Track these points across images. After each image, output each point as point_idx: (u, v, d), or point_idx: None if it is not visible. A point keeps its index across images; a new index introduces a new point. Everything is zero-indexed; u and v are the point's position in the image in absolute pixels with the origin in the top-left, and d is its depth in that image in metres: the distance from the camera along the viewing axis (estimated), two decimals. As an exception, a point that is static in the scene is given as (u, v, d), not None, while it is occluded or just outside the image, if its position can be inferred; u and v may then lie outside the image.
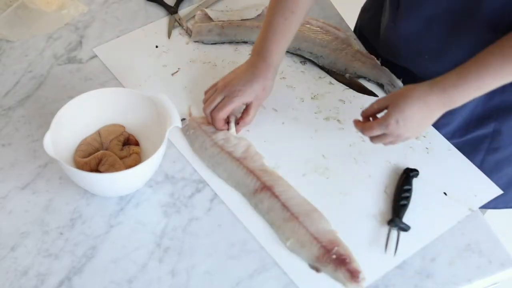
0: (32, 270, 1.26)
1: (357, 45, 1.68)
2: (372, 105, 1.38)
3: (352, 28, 1.83)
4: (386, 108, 1.34)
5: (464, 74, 1.28)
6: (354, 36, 1.73)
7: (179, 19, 1.73)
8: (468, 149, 1.53)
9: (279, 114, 1.54)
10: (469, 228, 1.37)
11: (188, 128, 1.49)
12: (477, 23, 1.38)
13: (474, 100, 1.33)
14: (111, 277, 1.26)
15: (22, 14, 1.70)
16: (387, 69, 1.60)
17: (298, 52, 1.66)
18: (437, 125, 1.47)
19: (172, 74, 1.61)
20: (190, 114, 1.52)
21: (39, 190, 1.38)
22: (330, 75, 1.63)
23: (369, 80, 1.62)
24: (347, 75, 1.63)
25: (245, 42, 1.70)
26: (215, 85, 1.50)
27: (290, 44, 1.61)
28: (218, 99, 1.47)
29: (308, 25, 1.70)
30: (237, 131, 1.49)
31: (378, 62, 1.63)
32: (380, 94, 1.60)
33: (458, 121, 1.58)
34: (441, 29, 1.45)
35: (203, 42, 1.69)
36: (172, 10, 1.76)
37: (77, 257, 1.28)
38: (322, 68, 1.64)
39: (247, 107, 1.49)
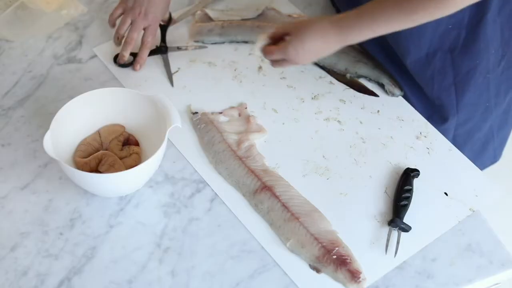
0: (32, 270, 1.26)
1: (358, 46, 1.67)
2: (277, 28, 1.44)
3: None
4: (288, 34, 1.40)
5: (360, 16, 1.34)
6: None
7: (167, 62, 1.65)
8: (438, 128, 1.56)
9: (280, 114, 1.54)
10: (470, 228, 1.37)
11: (200, 122, 1.50)
12: None
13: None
14: (111, 277, 1.26)
15: (21, 14, 1.70)
16: (387, 70, 1.60)
17: None
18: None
19: (172, 73, 1.61)
20: (191, 112, 1.52)
21: (39, 190, 1.37)
22: (331, 75, 1.63)
23: (369, 80, 1.62)
24: (348, 75, 1.62)
25: (246, 42, 1.69)
26: None
27: None
28: None
29: None
30: None
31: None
32: (381, 93, 1.59)
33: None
34: None
35: (203, 42, 1.69)
36: (163, 51, 1.68)
37: (77, 257, 1.28)
38: (322, 68, 1.64)
39: None
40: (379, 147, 1.49)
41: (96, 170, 1.38)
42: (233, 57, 1.66)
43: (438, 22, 1.40)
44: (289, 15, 1.73)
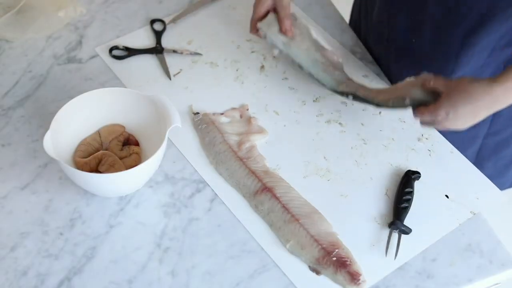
0: (32, 270, 1.26)
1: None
2: (429, 81, 1.37)
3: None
4: (439, 93, 1.34)
5: None
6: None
7: (164, 61, 1.64)
8: (467, 133, 1.54)
9: (281, 116, 1.54)
10: (470, 228, 1.37)
11: (201, 122, 1.49)
12: (458, 29, 1.45)
13: None
14: (111, 277, 1.26)
15: (22, 16, 1.69)
16: None
17: (352, 95, 1.51)
18: None
19: (174, 75, 1.61)
20: (192, 112, 1.52)
21: (39, 190, 1.37)
22: (374, 104, 1.50)
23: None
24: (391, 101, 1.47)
25: (300, 68, 1.57)
26: None
27: (345, 89, 1.53)
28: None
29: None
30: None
31: None
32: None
33: None
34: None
35: (264, 37, 1.57)
36: (158, 50, 1.67)
37: (77, 257, 1.28)
38: (359, 99, 1.51)
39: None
40: (380, 148, 1.49)
41: (96, 170, 1.38)
42: (234, 57, 1.66)
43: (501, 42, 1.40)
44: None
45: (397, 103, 1.44)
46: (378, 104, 1.48)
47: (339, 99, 1.57)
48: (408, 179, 1.41)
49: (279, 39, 1.55)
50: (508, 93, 1.28)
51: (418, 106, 1.38)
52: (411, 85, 1.41)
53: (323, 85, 1.55)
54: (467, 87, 1.30)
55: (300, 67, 1.56)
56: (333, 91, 1.54)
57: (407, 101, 1.41)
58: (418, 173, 1.42)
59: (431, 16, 1.49)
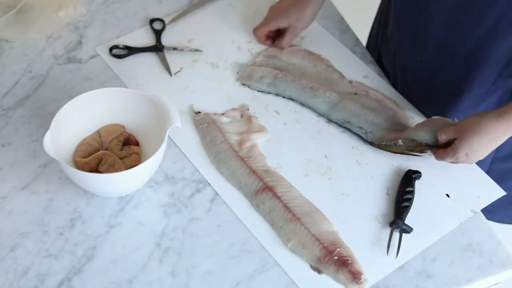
0: (32, 270, 1.26)
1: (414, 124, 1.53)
2: (440, 136, 1.40)
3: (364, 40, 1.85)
4: (454, 139, 1.37)
5: None
6: (411, 115, 1.57)
7: (164, 58, 1.64)
8: None
9: (282, 116, 1.54)
10: (470, 228, 1.37)
11: (202, 121, 1.49)
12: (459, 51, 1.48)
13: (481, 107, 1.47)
14: (111, 277, 1.26)
15: (22, 16, 1.69)
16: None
17: (347, 126, 1.52)
18: None
19: (175, 73, 1.61)
20: (194, 111, 1.52)
21: (39, 190, 1.37)
22: (379, 148, 1.49)
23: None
24: (400, 140, 1.46)
25: (292, 100, 1.58)
26: None
27: (338, 115, 1.54)
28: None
29: (364, 97, 1.58)
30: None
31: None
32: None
33: None
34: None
35: (249, 87, 1.60)
36: (158, 48, 1.67)
37: (77, 257, 1.28)
38: (370, 143, 1.50)
39: (282, 32, 1.66)
40: (380, 150, 1.48)
41: (96, 170, 1.38)
42: (235, 57, 1.66)
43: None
44: (350, 81, 1.62)
45: (389, 144, 1.47)
46: (371, 143, 1.50)
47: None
48: (409, 178, 1.41)
49: (263, 84, 1.59)
50: None
51: (433, 148, 1.42)
52: (417, 129, 1.45)
53: (317, 112, 1.56)
54: (475, 125, 1.34)
55: (291, 99, 1.58)
56: (328, 120, 1.54)
57: (400, 142, 1.45)
58: (419, 172, 1.42)
59: (433, 37, 1.49)
